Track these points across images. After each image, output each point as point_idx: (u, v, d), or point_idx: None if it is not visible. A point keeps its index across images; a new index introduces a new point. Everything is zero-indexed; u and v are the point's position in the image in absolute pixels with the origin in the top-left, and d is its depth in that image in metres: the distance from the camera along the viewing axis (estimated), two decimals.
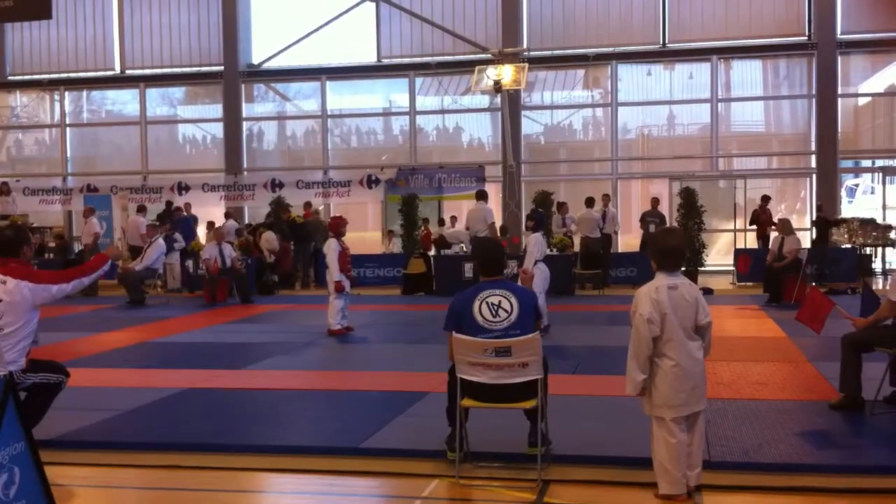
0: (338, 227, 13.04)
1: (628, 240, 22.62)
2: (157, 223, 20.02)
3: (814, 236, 20.75)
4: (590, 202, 19.76)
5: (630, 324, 5.53)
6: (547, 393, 6.18)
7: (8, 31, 26.85)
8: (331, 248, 12.77)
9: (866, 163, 24.69)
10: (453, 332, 6.01)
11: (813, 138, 22.97)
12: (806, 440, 6.73)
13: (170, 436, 7.17)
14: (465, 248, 19.30)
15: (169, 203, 22.68)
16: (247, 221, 23.94)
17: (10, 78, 27.18)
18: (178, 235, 20.14)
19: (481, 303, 6.05)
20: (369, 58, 25.09)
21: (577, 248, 19.44)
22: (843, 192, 23.84)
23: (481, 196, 18.28)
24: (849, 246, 19.98)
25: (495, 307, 6.02)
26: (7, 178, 25.84)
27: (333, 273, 12.68)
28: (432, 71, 24.50)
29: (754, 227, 21.18)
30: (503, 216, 22.20)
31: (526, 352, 5.85)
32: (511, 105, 22.72)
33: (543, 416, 6.09)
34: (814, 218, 21.25)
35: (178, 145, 27.25)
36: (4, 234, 6.69)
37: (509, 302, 6.04)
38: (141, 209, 21.54)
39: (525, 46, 23.50)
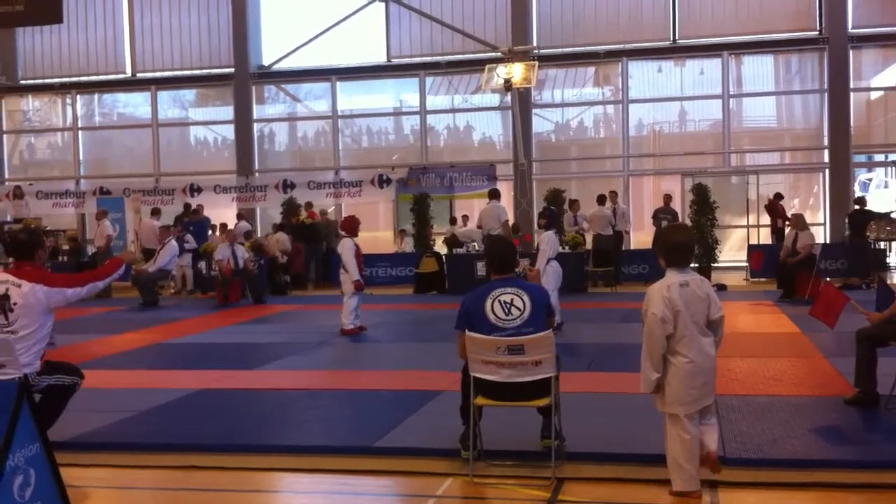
0: (354, 226, 13.04)
1: (640, 237, 22.55)
2: (172, 225, 20.08)
3: (846, 231, 20.43)
4: (601, 199, 19.74)
5: (642, 322, 5.52)
6: (559, 390, 6.18)
7: (19, 36, 26.95)
8: (346, 248, 12.75)
9: (879, 157, 24.56)
10: (466, 331, 6.00)
11: (825, 133, 22.84)
12: (820, 436, 6.71)
13: (183, 436, 7.19)
14: (477, 247, 19.30)
15: (187, 206, 22.75)
16: (258, 223, 24.01)
17: (22, 82, 27.28)
18: (189, 237, 20.16)
19: (494, 301, 6.02)
20: (379, 58, 25.08)
21: (589, 245, 19.41)
22: (857, 187, 23.72)
23: (494, 195, 18.27)
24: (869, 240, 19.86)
25: (508, 305, 6.00)
26: (20, 181, 25.96)
27: (352, 273, 12.66)
28: (442, 70, 24.48)
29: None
30: (515, 214, 22.18)
31: (539, 350, 5.84)
32: (521, 103, 22.69)
33: (557, 412, 6.09)
34: (850, 211, 20.71)
35: (189, 147, 27.31)
36: (18, 237, 6.72)
37: (521, 300, 6.02)
38: (155, 212, 21.60)
39: (535, 44, 23.44)
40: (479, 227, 18.92)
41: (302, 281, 20.47)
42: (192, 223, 21.18)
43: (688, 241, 5.76)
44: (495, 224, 17.67)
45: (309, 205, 22.09)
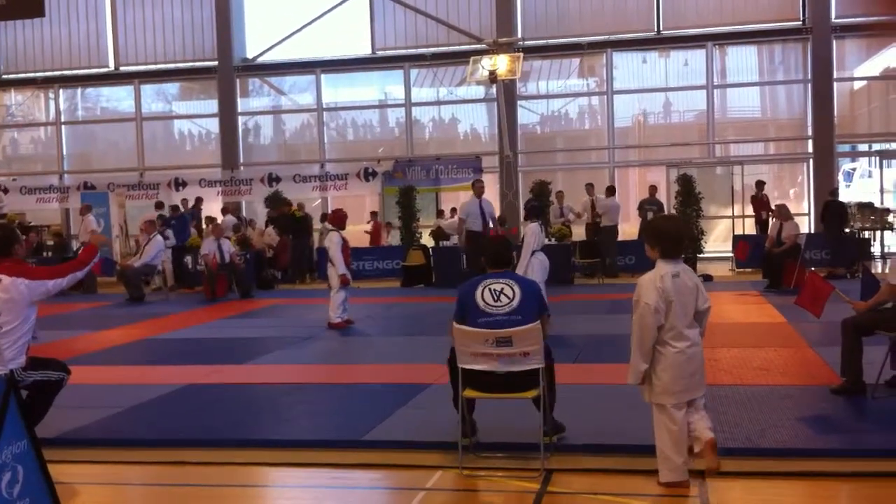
0: (341, 220, 13.00)
1: (626, 228, 22.59)
2: (155, 219, 19.97)
3: (819, 221, 20.40)
4: (611, 191, 19.87)
5: (633, 312, 5.50)
6: (554, 382, 6.29)
7: (1, 30, 26.75)
8: (333, 242, 12.72)
9: (863, 147, 24.68)
10: (454, 323, 6.04)
11: (809, 123, 22.95)
12: (808, 425, 6.74)
13: (173, 432, 7.17)
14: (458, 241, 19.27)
15: (199, 199, 22.71)
16: (244, 215, 23.95)
17: (4, 76, 27.11)
18: (169, 232, 19.98)
19: (484, 289, 6.11)
20: (364, 50, 25.02)
21: (574, 237, 19.47)
22: (841, 177, 23.82)
23: (472, 186, 18.10)
24: (847, 230, 19.95)
25: (497, 293, 6.07)
26: (3, 177, 25.80)
27: (338, 266, 12.63)
28: (427, 62, 24.44)
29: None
30: (501, 206, 22.18)
31: (527, 341, 5.86)
32: (507, 95, 22.67)
33: (550, 404, 6.17)
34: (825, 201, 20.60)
35: (174, 141, 27.20)
36: None
37: (511, 289, 6.08)
38: (159, 205, 21.54)
39: (520, 36, 23.45)
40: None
41: (293, 275, 20.41)
42: (174, 218, 21.03)
43: (680, 230, 5.78)
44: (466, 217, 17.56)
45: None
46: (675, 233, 5.64)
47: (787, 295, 13.38)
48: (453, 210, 22.54)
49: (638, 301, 5.42)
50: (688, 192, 19.46)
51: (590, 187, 20.32)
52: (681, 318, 5.41)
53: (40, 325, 6.80)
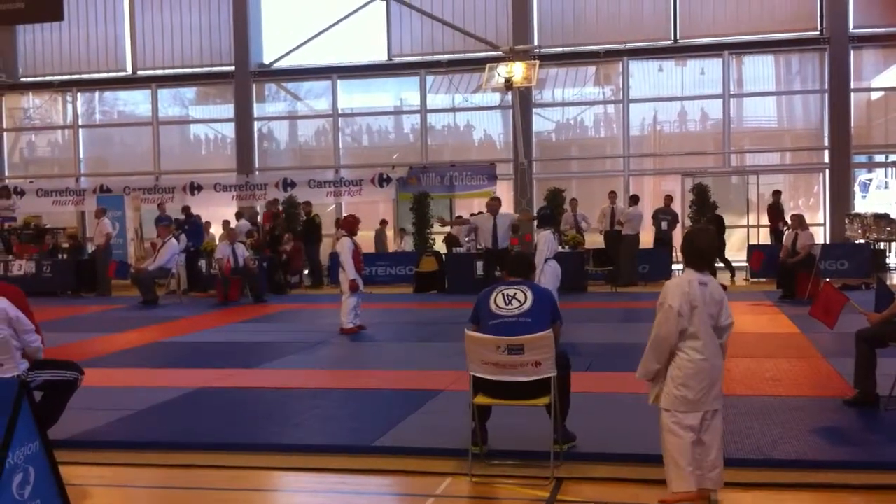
0: (352, 225, 13.05)
1: (640, 237, 22.51)
2: (169, 223, 20.03)
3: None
4: (634, 200, 19.84)
5: (656, 314, 5.38)
6: (568, 391, 6.36)
7: (20, 33, 26.92)
8: (344, 248, 12.77)
9: (879, 157, 24.56)
10: (466, 330, 6.14)
11: (826, 133, 22.83)
12: (820, 436, 6.71)
13: (183, 435, 7.19)
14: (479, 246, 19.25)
15: (185, 207, 22.75)
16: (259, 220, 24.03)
17: (22, 80, 27.25)
18: (182, 237, 20.02)
19: (498, 294, 6.30)
20: (380, 56, 25.07)
21: (588, 245, 19.43)
22: (857, 188, 23.72)
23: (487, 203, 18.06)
24: (863, 241, 19.89)
25: (510, 297, 6.25)
26: (20, 179, 25.94)
27: (348, 272, 12.68)
28: (443, 69, 24.46)
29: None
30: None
31: (538, 350, 5.88)
32: (522, 102, 22.67)
33: (563, 412, 6.21)
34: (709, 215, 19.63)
35: (189, 145, 27.29)
36: None
37: (524, 294, 6.26)
38: (188, 213, 21.61)
39: (536, 43, 23.41)
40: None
41: (312, 279, 20.48)
42: (187, 222, 21.05)
43: (709, 246, 5.60)
44: None
45: (272, 203, 22.33)
46: (703, 249, 5.49)
47: (802, 305, 13.34)
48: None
49: (662, 304, 5.32)
50: (703, 201, 19.38)
51: (612, 195, 20.20)
52: (704, 328, 5.28)
53: (54, 328, 6.83)
